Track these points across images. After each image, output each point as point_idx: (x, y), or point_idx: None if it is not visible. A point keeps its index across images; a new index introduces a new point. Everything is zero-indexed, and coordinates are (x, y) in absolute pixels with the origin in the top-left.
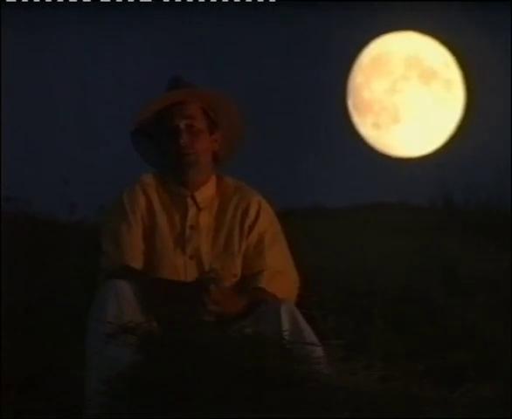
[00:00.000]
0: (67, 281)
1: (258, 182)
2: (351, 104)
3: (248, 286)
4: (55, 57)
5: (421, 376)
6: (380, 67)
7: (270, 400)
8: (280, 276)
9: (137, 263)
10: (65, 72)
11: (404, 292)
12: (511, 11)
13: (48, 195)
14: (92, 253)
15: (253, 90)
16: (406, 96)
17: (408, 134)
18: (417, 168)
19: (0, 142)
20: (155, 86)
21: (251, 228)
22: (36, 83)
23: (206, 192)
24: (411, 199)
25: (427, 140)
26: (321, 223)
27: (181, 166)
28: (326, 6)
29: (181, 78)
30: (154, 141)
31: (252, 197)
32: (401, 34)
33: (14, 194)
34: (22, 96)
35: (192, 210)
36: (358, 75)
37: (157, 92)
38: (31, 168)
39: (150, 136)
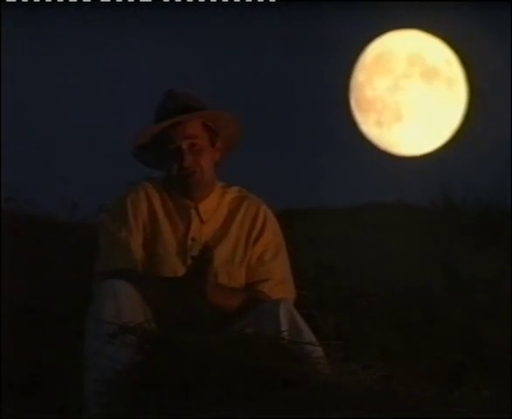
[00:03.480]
0: (67, 281)
1: (258, 182)
2: (353, 102)
3: (251, 290)
4: (55, 57)
5: (421, 376)
6: (382, 65)
7: (270, 400)
8: (283, 286)
9: (136, 268)
10: (65, 72)
11: (404, 292)
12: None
13: (48, 195)
14: (92, 253)
15: (254, 89)
16: (408, 94)
17: (410, 132)
18: (418, 166)
19: (0, 142)
20: (156, 86)
21: (256, 239)
22: (36, 83)
23: (210, 204)
24: (412, 198)
25: (429, 138)
26: (321, 223)
27: (186, 185)
28: (327, 5)
29: (175, 92)
30: (155, 157)
31: (258, 208)
32: (403, 32)
33: (14, 194)
34: (22, 96)
35: (195, 222)
36: (360, 73)
37: (158, 92)
38: (31, 167)
39: (152, 154)
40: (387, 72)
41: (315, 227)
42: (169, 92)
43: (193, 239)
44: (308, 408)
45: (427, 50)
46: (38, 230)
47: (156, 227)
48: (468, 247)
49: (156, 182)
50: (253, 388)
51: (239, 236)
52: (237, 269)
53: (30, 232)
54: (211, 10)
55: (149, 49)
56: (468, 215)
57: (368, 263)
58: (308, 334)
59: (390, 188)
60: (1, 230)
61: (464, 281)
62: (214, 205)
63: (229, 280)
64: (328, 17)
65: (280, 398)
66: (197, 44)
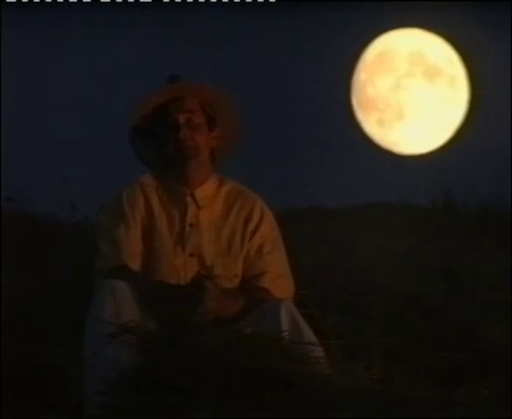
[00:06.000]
0: (67, 281)
1: (258, 182)
2: (355, 101)
3: (251, 286)
4: (55, 57)
5: (421, 376)
6: (384, 64)
7: (270, 400)
8: (281, 279)
9: (135, 264)
10: (65, 71)
11: (404, 292)
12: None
13: (48, 195)
14: (92, 253)
15: (254, 89)
16: (410, 93)
17: (412, 131)
18: (419, 166)
19: (0, 142)
20: (156, 86)
21: (253, 232)
22: (36, 83)
23: (206, 191)
24: (412, 198)
25: (431, 137)
26: (321, 223)
27: (181, 159)
28: (329, 3)
29: (178, 76)
30: (153, 140)
31: (254, 202)
32: (405, 31)
33: (14, 194)
34: (22, 96)
35: (192, 208)
36: (362, 72)
37: None
38: (31, 168)
39: (149, 135)
40: (389, 71)
41: (315, 227)
42: (171, 76)
43: (191, 225)
44: (308, 408)
45: (429, 48)
46: (38, 230)
47: (153, 220)
48: (468, 247)
49: (152, 176)
50: (253, 388)
51: (235, 229)
52: (233, 261)
53: (30, 232)
54: (210, 10)
55: (149, 49)
56: (468, 215)
57: (368, 263)
58: (309, 334)
59: (391, 188)
60: (1, 230)
61: (464, 281)
62: (210, 193)
63: (224, 271)
64: (328, 17)
65: (280, 398)
66: (197, 43)
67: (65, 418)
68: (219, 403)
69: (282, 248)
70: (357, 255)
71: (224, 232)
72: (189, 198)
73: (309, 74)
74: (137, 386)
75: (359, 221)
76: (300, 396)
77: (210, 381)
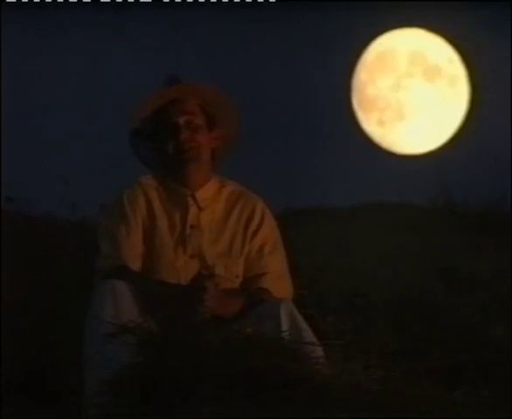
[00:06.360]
0: (67, 281)
1: (258, 182)
2: (356, 101)
3: (251, 287)
4: (55, 57)
5: (421, 376)
6: (384, 64)
7: (270, 400)
8: (281, 280)
9: (135, 264)
10: (65, 71)
11: (404, 292)
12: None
13: (48, 195)
14: (92, 253)
15: (254, 89)
16: (411, 93)
17: (412, 131)
18: (419, 166)
19: (0, 142)
20: (156, 86)
21: (254, 233)
22: (36, 83)
23: (207, 192)
24: (412, 198)
25: (431, 137)
26: (321, 223)
27: (181, 161)
28: (329, 3)
29: (177, 76)
30: (153, 142)
31: (256, 204)
32: (405, 31)
33: (14, 194)
34: (22, 96)
35: (193, 210)
36: (363, 72)
37: None
38: (31, 168)
39: (149, 138)
40: (389, 71)
41: (315, 227)
42: (170, 76)
43: (192, 227)
44: (308, 408)
45: (429, 48)
46: (38, 230)
47: (153, 221)
48: (468, 247)
49: (153, 176)
50: (253, 388)
51: (236, 230)
52: (234, 261)
53: (30, 232)
54: (211, 10)
55: (149, 49)
56: (468, 215)
57: (368, 263)
58: (309, 334)
59: (392, 188)
60: (1, 230)
61: (464, 281)
62: (211, 195)
63: (225, 272)
64: (328, 17)
65: (280, 398)
66: (196, 43)
67: (65, 418)
68: (219, 403)
69: (282, 250)
70: (357, 255)
71: (225, 234)
72: (190, 199)
73: (309, 74)
74: (137, 386)
75: (359, 221)
76: (300, 396)
77: (210, 380)
